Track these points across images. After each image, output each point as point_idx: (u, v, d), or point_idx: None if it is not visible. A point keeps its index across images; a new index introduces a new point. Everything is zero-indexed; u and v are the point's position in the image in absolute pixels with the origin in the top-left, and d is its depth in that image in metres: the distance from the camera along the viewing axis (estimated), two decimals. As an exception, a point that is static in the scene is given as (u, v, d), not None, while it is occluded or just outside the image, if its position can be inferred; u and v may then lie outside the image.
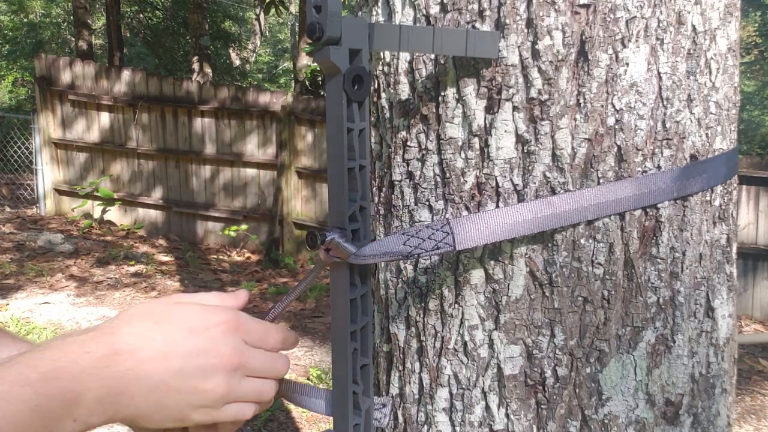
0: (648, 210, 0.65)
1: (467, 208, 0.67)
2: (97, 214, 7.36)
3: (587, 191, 0.63)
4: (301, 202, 6.52)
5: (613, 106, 0.63)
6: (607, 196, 0.63)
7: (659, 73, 0.64)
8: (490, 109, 0.65)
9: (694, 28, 0.65)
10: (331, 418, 0.64)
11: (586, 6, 0.62)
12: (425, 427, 0.71)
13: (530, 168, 0.65)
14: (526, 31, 0.63)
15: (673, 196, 0.65)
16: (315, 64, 8.50)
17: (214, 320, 0.56)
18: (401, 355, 0.73)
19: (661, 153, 0.65)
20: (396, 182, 0.72)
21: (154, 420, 0.53)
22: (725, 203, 0.71)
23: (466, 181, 0.67)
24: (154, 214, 7.25)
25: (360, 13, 0.76)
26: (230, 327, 0.56)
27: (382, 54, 0.72)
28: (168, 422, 0.54)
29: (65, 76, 7.33)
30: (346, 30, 0.54)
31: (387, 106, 0.73)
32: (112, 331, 0.52)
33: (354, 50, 0.56)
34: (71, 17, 15.20)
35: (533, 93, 0.64)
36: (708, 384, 0.70)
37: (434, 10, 0.67)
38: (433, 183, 0.69)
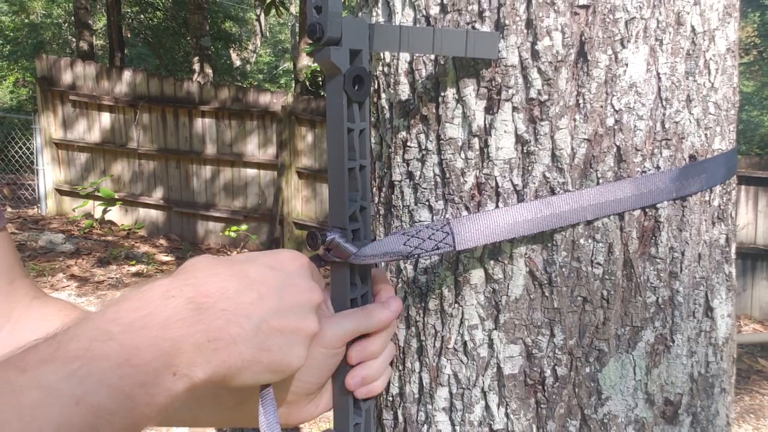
0: (647, 210, 0.65)
1: (467, 208, 0.67)
2: (98, 214, 7.37)
3: (587, 191, 0.63)
4: (301, 202, 6.52)
5: (613, 107, 0.64)
6: (607, 196, 0.63)
7: (658, 74, 0.64)
8: (490, 109, 0.65)
9: (693, 29, 0.65)
10: (331, 418, 0.64)
11: (586, 7, 0.63)
12: (425, 426, 0.72)
13: (530, 168, 0.65)
14: (525, 31, 0.63)
15: (672, 196, 0.65)
16: (315, 64, 8.50)
17: (286, 257, 0.52)
18: (401, 355, 0.73)
19: (660, 153, 0.65)
20: (396, 182, 0.72)
21: (258, 371, 0.47)
22: (724, 203, 0.71)
23: (465, 182, 0.67)
24: (155, 214, 7.25)
25: (360, 13, 0.76)
26: (303, 264, 0.53)
27: (382, 54, 0.73)
28: (270, 374, 0.48)
29: (66, 77, 7.33)
30: (346, 30, 0.54)
31: (387, 107, 0.73)
32: (192, 275, 0.45)
33: (354, 51, 0.56)
34: (72, 18, 15.20)
35: (533, 93, 0.64)
36: (707, 383, 0.70)
37: (434, 10, 0.67)
38: (433, 183, 0.69)
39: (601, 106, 0.64)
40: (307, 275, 0.54)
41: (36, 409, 0.35)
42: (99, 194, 7.21)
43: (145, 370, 0.40)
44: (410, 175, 0.71)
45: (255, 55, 22.25)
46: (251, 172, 6.76)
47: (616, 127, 0.64)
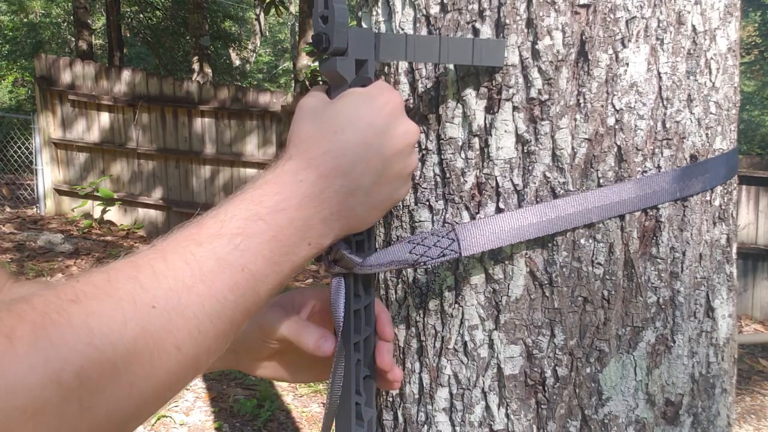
0: (648, 210, 0.65)
1: (467, 208, 0.67)
2: (97, 214, 7.36)
3: (590, 193, 0.63)
4: (301, 202, 6.51)
5: (613, 106, 0.63)
6: (611, 197, 0.63)
7: (659, 73, 0.64)
8: (490, 109, 0.65)
9: (694, 28, 0.65)
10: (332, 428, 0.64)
11: (586, 6, 0.62)
12: (425, 427, 0.71)
13: (530, 168, 0.64)
14: (526, 31, 0.63)
15: (675, 196, 0.65)
16: (315, 64, 8.48)
17: (379, 105, 0.55)
18: (401, 355, 0.73)
19: (661, 153, 0.65)
20: (396, 182, 0.72)
21: (373, 218, 0.57)
22: (725, 203, 0.71)
23: (466, 181, 0.67)
24: (154, 214, 7.25)
25: (360, 13, 0.76)
26: (395, 105, 0.56)
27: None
28: (382, 213, 0.57)
29: (65, 76, 7.33)
30: (352, 41, 0.54)
31: (387, 106, 0.73)
32: (310, 154, 0.53)
33: (360, 61, 0.56)
34: (71, 17, 15.20)
35: (533, 93, 0.64)
36: (708, 384, 0.70)
37: (434, 10, 0.67)
38: (433, 183, 0.69)
39: (602, 106, 0.63)
40: (401, 116, 0.56)
41: (214, 275, 0.45)
42: (98, 194, 7.20)
43: (287, 243, 0.50)
44: (410, 174, 0.71)
45: (254, 54, 22.24)
46: (251, 172, 6.75)
47: (616, 127, 0.64)
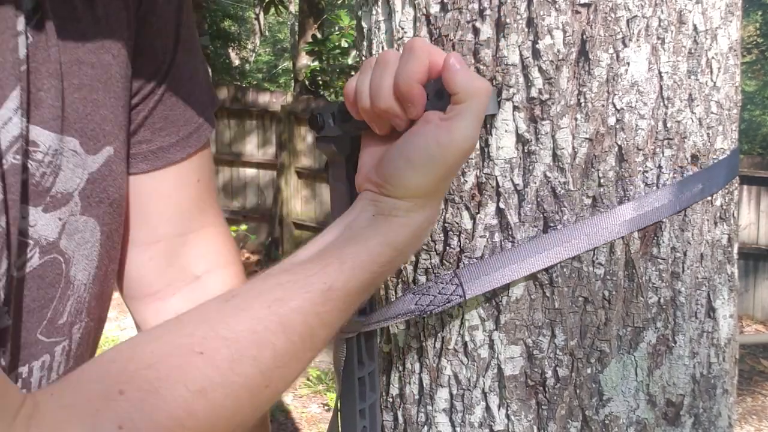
0: (649, 210, 0.65)
1: (467, 208, 0.67)
2: (97, 214, 7.36)
3: (593, 220, 0.63)
4: (300, 203, 6.51)
5: (614, 106, 0.63)
6: (614, 220, 0.63)
7: (660, 73, 0.64)
8: (491, 108, 0.65)
9: (695, 28, 0.65)
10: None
11: (587, 5, 0.62)
12: (425, 427, 0.71)
13: (531, 168, 0.64)
14: (526, 30, 0.63)
15: (675, 209, 0.64)
16: (315, 63, 8.50)
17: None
18: (401, 356, 0.73)
19: (662, 153, 0.65)
20: (396, 182, 0.72)
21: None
22: (726, 203, 0.71)
23: (466, 181, 0.67)
24: (155, 214, 7.25)
25: (360, 12, 0.76)
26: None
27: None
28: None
29: (65, 76, 7.32)
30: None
31: (387, 106, 0.73)
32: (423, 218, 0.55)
33: (355, 137, 0.57)
34: (71, 17, 15.16)
35: (534, 92, 0.63)
36: (709, 384, 0.70)
37: (434, 9, 0.66)
38: (433, 183, 0.69)
39: (603, 105, 0.63)
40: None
41: (323, 343, 0.49)
42: (98, 194, 7.20)
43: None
44: (410, 174, 0.70)
45: (254, 54, 22.24)
46: (250, 171, 6.75)
47: (617, 127, 0.63)
